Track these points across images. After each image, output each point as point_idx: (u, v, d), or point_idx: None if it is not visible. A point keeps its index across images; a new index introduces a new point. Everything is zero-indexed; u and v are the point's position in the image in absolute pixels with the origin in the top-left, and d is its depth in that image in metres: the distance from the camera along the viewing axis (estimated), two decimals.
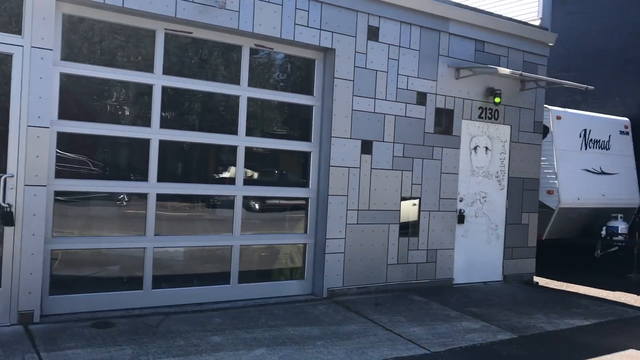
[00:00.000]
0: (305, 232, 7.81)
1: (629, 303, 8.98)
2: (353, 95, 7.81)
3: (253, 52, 7.34)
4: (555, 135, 10.94)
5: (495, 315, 7.43)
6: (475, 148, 9.20)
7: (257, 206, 7.67)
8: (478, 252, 9.31)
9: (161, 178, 6.73)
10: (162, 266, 6.89)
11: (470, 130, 9.13)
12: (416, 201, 8.59)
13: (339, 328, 6.48)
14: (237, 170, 7.26)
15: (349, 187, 7.82)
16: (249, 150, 7.36)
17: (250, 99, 7.34)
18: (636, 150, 12.25)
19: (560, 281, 10.52)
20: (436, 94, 8.66)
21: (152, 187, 6.66)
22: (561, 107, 11.71)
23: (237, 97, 7.26)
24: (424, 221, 8.64)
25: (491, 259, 9.47)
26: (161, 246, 6.81)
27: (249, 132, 7.34)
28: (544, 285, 10.10)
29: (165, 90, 6.74)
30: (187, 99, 7.15)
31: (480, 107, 9.20)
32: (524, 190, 9.78)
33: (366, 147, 7.97)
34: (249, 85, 7.32)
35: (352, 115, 7.80)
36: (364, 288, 8.02)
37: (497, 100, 9.15)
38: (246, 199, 7.40)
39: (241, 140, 7.27)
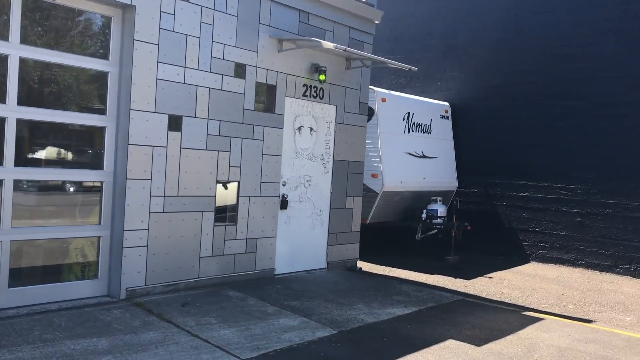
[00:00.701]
0: (100, 222, 6.58)
1: (447, 287, 9.00)
2: (158, 62, 6.70)
3: (29, 0, 5.92)
4: (380, 118, 10.74)
5: (315, 309, 6.86)
6: (299, 128, 8.57)
7: (37, 192, 6.29)
8: (302, 239, 8.74)
9: None
10: None
11: (294, 109, 8.47)
12: (234, 185, 7.74)
13: (134, 337, 5.43)
14: (5, 148, 5.82)
15: (153, 170, 6.73)
16: (23, 124, 5.95)
17: (23, 60, 5.92)
18: (455, 135, 12.56)
19: (384, 265, 10.39)
20: (257, 67, 7.85)
21: None
22: (387, 89, 11.56)
23: (5, 57, 5.81)
24: (244, 207, 7.83)
25: (315, 245, 8.97)
26: None
27: (23, 102, 5.93)
28: (368, 270, 9.87)
29: None
30: None
31: (305, 85, 8.57)
32: (349, 174, 9.39)
33: (175, 123, 6.92)
34: (22, 42, 5.89)
35: (157, 85, 6.70)
36: (172, 285, 7.02)
37: (322, 77, 8.59)
38: (20, 183, 6.00)
39: (12, 111, 5.84)
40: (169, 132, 6.86)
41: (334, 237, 9.22)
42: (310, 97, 8.67)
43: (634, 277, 10.52)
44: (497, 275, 10.21)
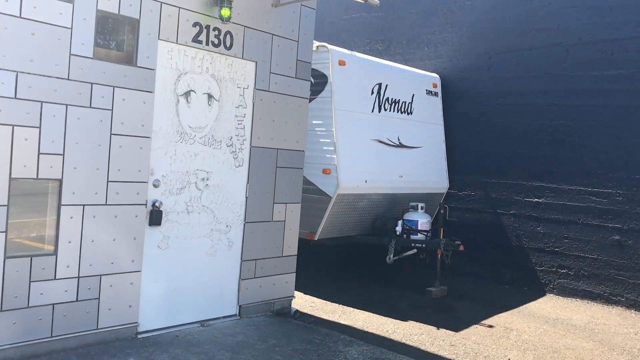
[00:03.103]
0: None
1: (424, 347, 5.77)
2: None
3: None
4: (336, 89, 7.45)
5: None
6: (186, 94, 5.29)
7: None
8: (193, 271, 5.49)
9: None
10: None
11: (177, 61, 5.19)
12: (54, 186, 4.49)
13: None
14: None
15: None
16: None
17: None
18: (446, 117, 9.29)
19: (336, 302, 7.15)
20: None
21: None
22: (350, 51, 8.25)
23: None
24: (72, 224, 4.58)
25: (218, 280, 5.71)
26: None
27: None
28: (309, 313, 6.64)
29: None
30: None
31: (197, 24, 5.29)
32: (279, 169, 6.13)
33: None
34: None
35: None
36: None
37: (224, 13, 5.29)
38: None
39: None
40: None
41: (252, 265, 5.97)
42: (207, 44, 5.40)
43: None
44: (500, 320, 6.96)
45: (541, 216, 8.53)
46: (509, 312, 7.33)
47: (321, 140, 7.42)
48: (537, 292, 8.45)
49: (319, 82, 7.46)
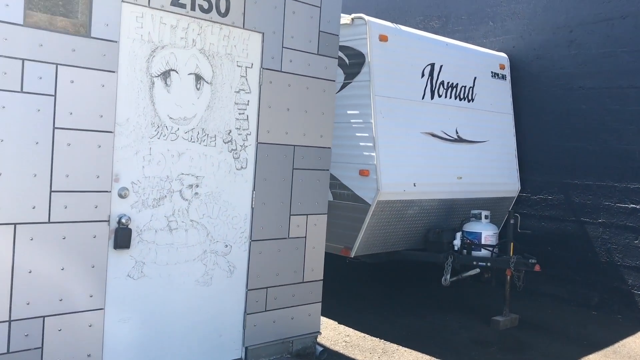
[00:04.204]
0: None
1: None
2: None
3: None
4: (376, 70, 6.01)
5: None
6: (165, 75, 4.02)
7: None
8: (178, 307, 4.21)
9: None
10: None
11: (149, 31, 3.92)
12: None
13: None
14: None
15: None
16: None
17: None
18: (516, 106, 7.67)
19: (376, 335, 5.74)
20: None
21: None
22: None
23: None
24: None
25: (215, 317, 4.42)
26: None
27: None
28: (342, 353, 5.26)
29: None
30: None
31: None
32: (297, 171, 4.77)
33: None
34: None
35: None
36: None
37: None
38: None
39: None
40: None
41: (261, 295, 4.64)
42: (193, 8, 4.11)
43: None
44: None
45: (638, 226, 6.78)
46: (600, 353, 5.68)
47: (357, 134, 6.01)
48: (635, 323, 6.72)
49: (354, 63, 6.06)
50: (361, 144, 5.98)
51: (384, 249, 6.39)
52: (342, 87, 6.16)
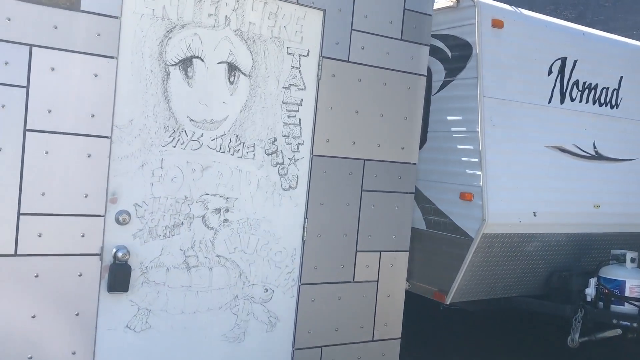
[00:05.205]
0: None
1: None
2: None
3: None
4: (487, 64, 4.67)
5: None
6: (185, 63, 3.04)
7: None
8: None
9: None
10: None
11: (164, 4, 2.97)
12: None
13: None
14: None
15: None
16: None
17: None
18: None
19: None
20: None
21: None
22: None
23: None
24: None
25: None
26: None
27: None
28: None
29: None
30: None
31: None
32: (366, 194, 3.61)
33: None
34: None
35: None
36: None
37: None
38: None
39: None
40: None
41: (314, 358, 3.52)
42: None
43: None
44: None
45: None
46: None
47: (459, 146, 4.70)
48: None
49: (458, 56, 4.77)
50: (463, 159, 4.67)
51: (490, 294, 4.99)
52: (441, 87, 4.90)
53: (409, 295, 4.73)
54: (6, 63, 2.61)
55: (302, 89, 3.36)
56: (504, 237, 4.69)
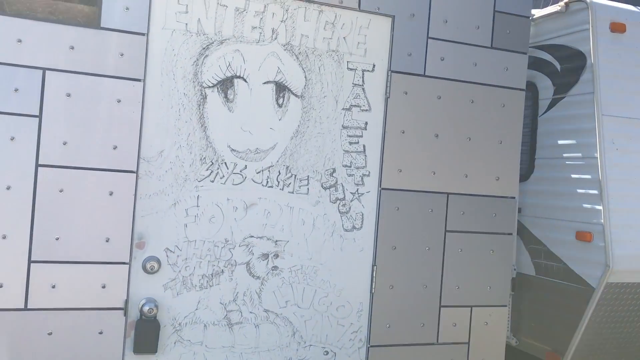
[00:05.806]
0: None
1: None
2: None
3: None
4: (605, 77, 3.86)
5: None
6: (225, 85, 2.60)
7: None
8: None
9: None
10: None
11: (199, 18, 2.57)
12: None
13: None
14: None
15: None
16: None
17: None
18: None
19: None
20: None
21: None
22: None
23: None
24: None
25: None
26: None
27: None
28: None
29: None
30: None
31: None
32: (451, 235, 2.95)
33: None
34: None
35: None
36: None
37: None
38: None
39: None
40: None
41: None
42: None
43: None
44: None
45: None
46: None
47: (573, 175, 3.89)
48: None
49: (569, 69, 4.01)
50: (579, 190, 3.85)
51: (618, 357, 4.05)
52: (550, 106, 4.13)
53: (516, 355, 3.95)
54: (16, 90, 2.30)
55: (366, 110, 2.81)
56: (635, 286, 3.78)
